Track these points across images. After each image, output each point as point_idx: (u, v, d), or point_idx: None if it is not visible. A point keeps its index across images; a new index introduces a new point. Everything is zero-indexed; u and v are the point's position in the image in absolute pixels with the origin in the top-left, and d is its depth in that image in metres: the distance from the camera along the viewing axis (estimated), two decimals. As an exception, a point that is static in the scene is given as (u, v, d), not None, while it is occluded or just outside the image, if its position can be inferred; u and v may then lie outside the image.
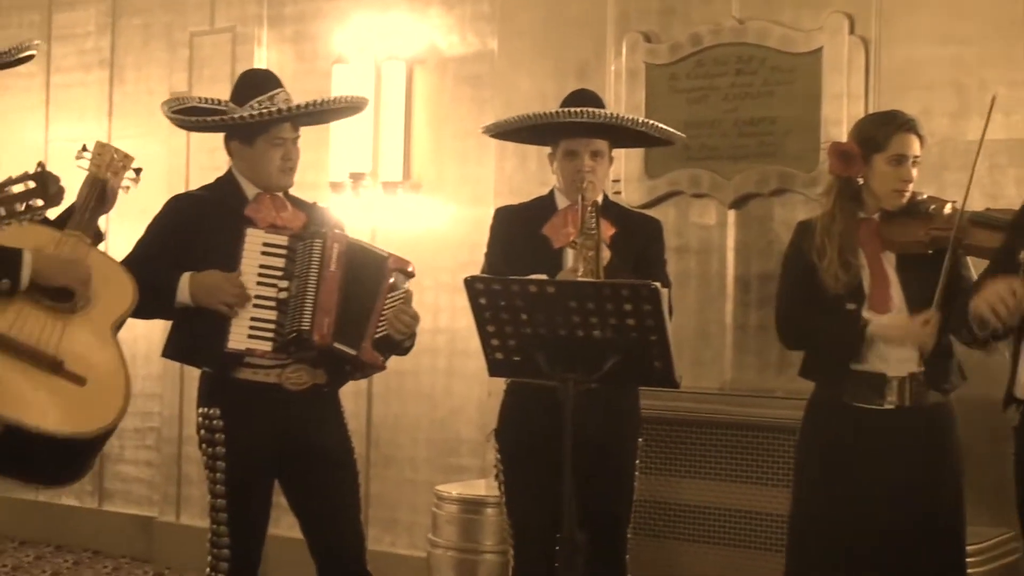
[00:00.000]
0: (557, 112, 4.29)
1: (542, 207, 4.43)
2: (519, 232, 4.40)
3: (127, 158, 3.97)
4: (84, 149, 3.94)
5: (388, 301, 4.13)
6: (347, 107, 4.44)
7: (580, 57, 5.74)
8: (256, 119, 4.13)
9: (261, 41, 6.73)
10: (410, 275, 4.22)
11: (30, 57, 4.18)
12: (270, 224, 4.15)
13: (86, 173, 3.92)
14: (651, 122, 4.39)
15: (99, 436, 3.38)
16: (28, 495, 7.28)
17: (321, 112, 4.35)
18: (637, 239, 4.36)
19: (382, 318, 4.12)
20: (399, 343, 4.21)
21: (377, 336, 4.11)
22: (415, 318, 4.20)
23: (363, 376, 4.35)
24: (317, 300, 4.01)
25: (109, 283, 3.73)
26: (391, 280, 4.16)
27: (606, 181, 4.46)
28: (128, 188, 3.98)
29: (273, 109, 4.13)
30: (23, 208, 3.34)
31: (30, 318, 3.46)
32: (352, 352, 4.07)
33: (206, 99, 4.39)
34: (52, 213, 3.66)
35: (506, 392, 4.45)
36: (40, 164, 3.43)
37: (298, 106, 4.14)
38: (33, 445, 3.23)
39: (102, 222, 3.97)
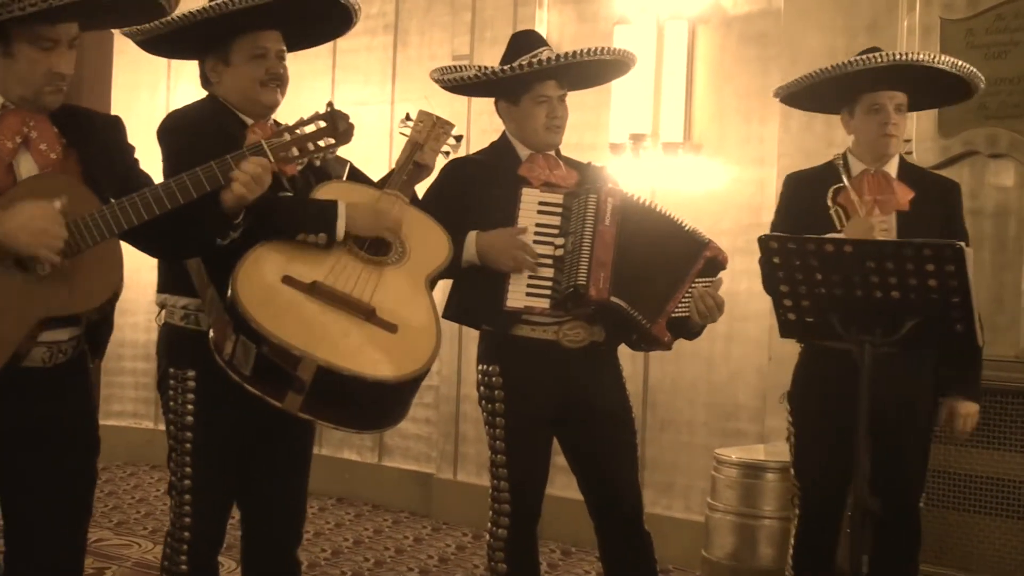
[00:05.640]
0: (855, 60, 4.14)
1: (834, 173, 4.30)
2: (808, 199, 4.29)
3: (447, 125, 4.03)
4: (407, 118, 4.04)
5: (695, 283, 4.08)
6: (616, 66, 4.35)
7: (871, 12, 5.56)
8: (509, 73, 4.12)
9: (542, 3, 6.69)
10: (722, 266, 4.14)
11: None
12: (544, 182, 4.17)
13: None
14: (961, 63, 4.23)
15: (406, 382, 3.43)
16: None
17: (586, 70, 4.27)
18: (940, 205, 4.25)
19: (686, 298, 4.07)
20: (691, 327, 4.15)
21: (676, 315, 4.07)
22: (720, 306, 4.09)
23: (647, 349, 4.30)
24: (592, 255, 3.99)
25: (425, 239, 3.81)
26: (701, 264, 4.10)
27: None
28: (448, 153, 4.07)
29: (523, 62, 4.10)
30: (315, 147, 3.43)
31: (347, 269, 3.54)
32: (642, 321, 4.03)
33: (480, 66, 4.38)
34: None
35: (801, 355, 4.36)
36: (329, 104, 3.50)
37: (549, 59, 4.09)
38: (344, 388, 3.30)
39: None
